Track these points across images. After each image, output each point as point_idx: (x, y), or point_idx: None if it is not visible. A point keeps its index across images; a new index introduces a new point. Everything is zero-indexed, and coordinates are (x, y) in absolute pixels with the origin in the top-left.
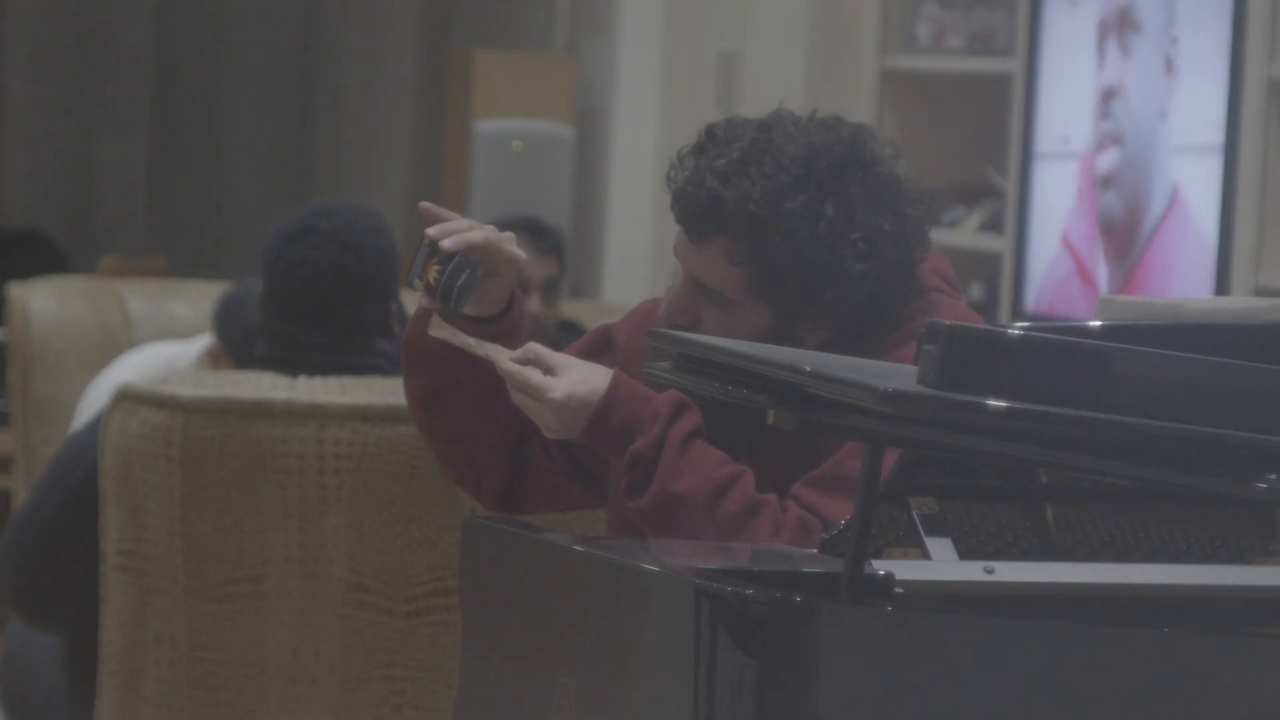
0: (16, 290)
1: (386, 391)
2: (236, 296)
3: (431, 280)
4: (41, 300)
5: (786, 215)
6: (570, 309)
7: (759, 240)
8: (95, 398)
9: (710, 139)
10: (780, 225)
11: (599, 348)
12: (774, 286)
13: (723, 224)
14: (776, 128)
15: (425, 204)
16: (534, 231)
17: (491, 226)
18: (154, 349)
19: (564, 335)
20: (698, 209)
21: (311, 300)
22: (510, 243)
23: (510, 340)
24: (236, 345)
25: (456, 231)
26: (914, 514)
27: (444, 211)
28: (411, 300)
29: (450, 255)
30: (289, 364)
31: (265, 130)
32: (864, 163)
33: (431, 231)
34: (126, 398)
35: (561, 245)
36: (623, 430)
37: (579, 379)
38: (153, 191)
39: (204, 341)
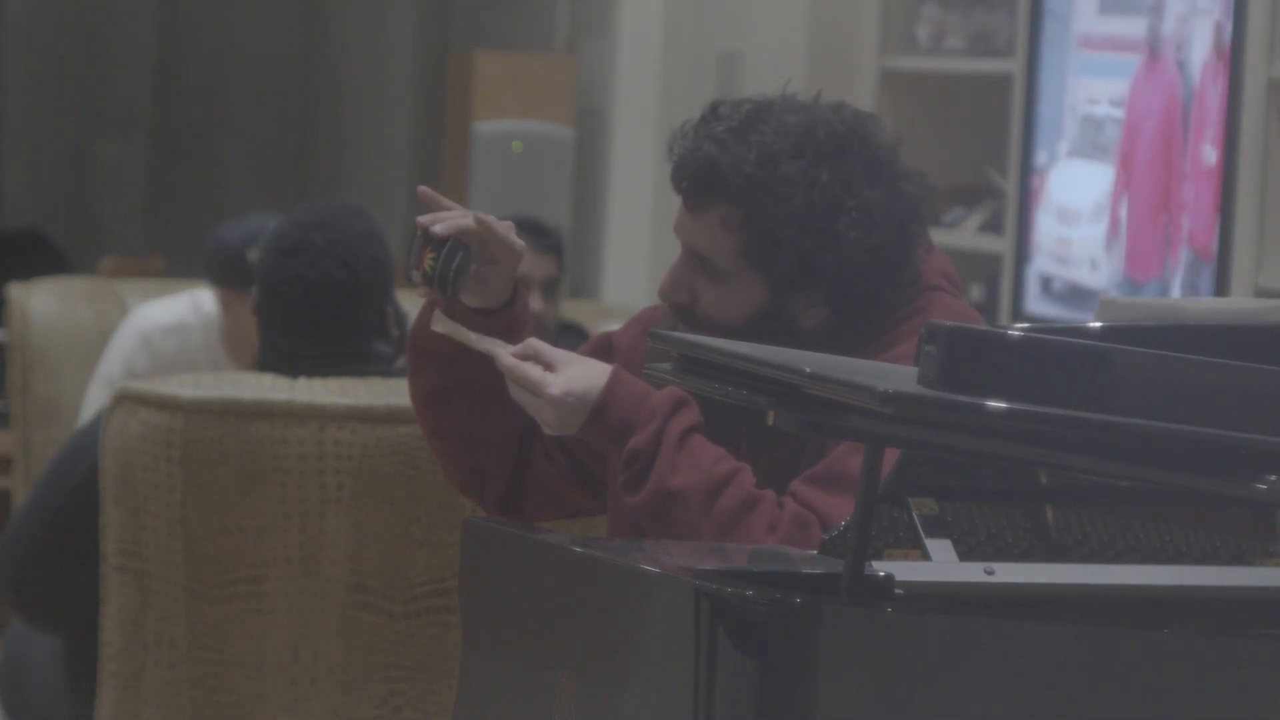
0: (16, 290)
1: (386, 392)
2: (216, 238)
3: (428, 268)
4: (41, 300)
5: (781, 179)
6: (570, 309)
7: (753, 205)
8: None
9: (713, 112)
10: (775, 189)
11: (599, 354)
12: (767, 253)
13: (718, 189)
14: (780, 102)
15: (424, 188)
16: (534, 231)
17: (491, 217)
18: (150, 319)
19: (564, 336)
20: (694, 175)
21: (308, 316)
22: (506, 229)
23: (513, 335)
24: (223, 271)
25: (448, 218)
26: (914, 515)
27: (442, 199)
28: (408, 300)
29: (443, 241)
30: (288, 373)
31: (265, 130)
32: (863, 139)
33: (423, 219)
34: (126, 398)
35: (561, 245)
36: (620, 426)
37: (578, 374)
38: (153, 191)
39: (200, 301)
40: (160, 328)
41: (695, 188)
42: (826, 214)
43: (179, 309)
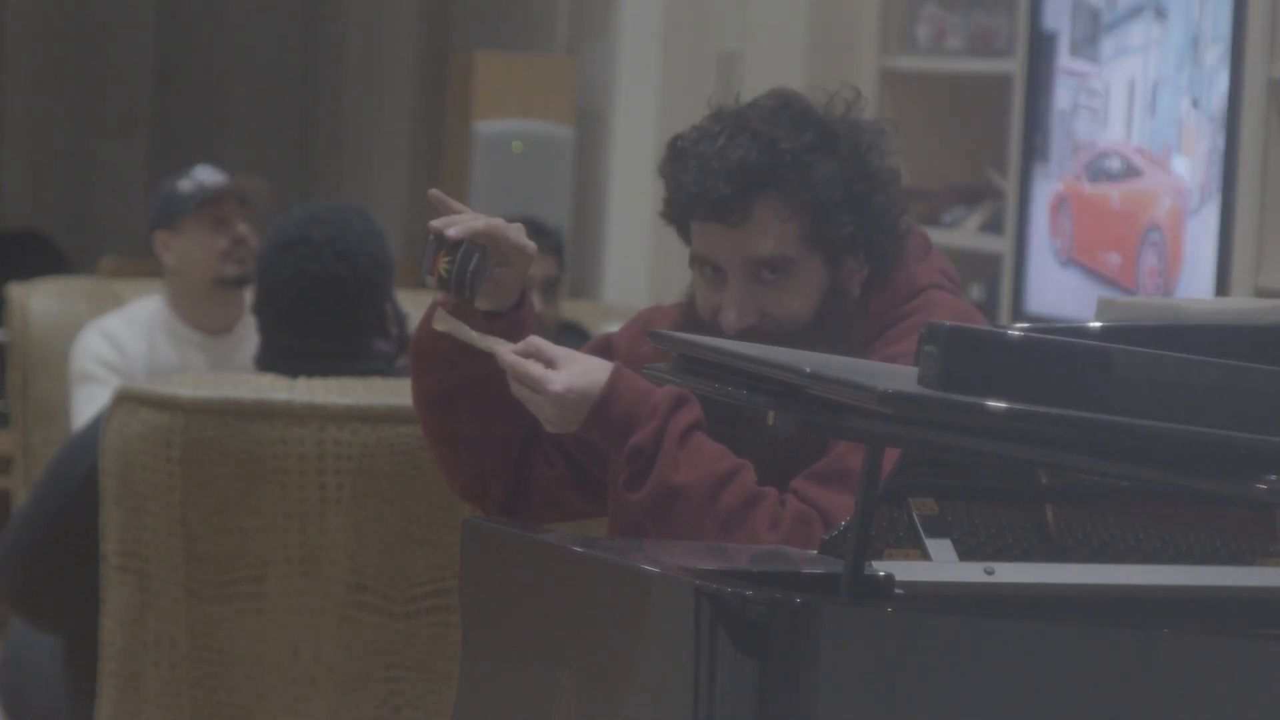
0: (16, 290)
1: (387, 392)
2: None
3: (443, 272)
4: (41, 300)
5: (807, 148)
6: (570, 309)
7: (798, 183)
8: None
9: (687, 141)
10: (809, 159)
11: (599, 356)
12: (829, 221)
13: (761, 182)
14: (734, 105)
15: (435, 191)
16: (534, 231)
17: (498, 219)
18: (98, 322)
19: (564, 336)
20: (729, 186)
21: (307, 311)
22: (518, 232)
23: (520, 337)
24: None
25: (461, 221)
26: (914, 515)
27: (452, 202)
28: (408, 298)
29: (457, 244)
30: (288, 371)
31: (265, 130)
32: (822, 103)
33: (436, 224)
34: (127, 398)
35: (561, 245)
36: (622, 423)
37: (579, 371)
38: (153, 192)
39: (146, 301)
40: (113, 322)
41: (736, 195)
42: (857, 159)
43: (124, 311)
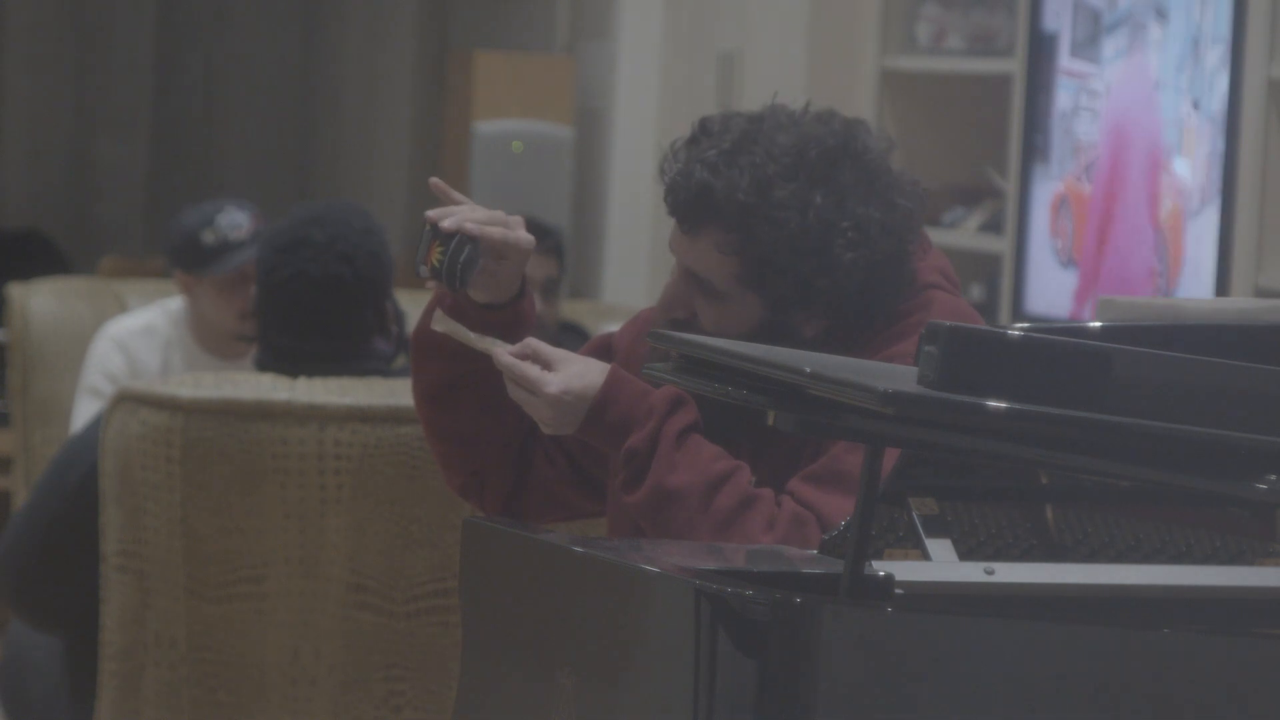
0: (16, 290)
1: (386, 393)
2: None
3: (435, 263)
4: (41, 300)
5: (775, 204)
6: (570, 309)
7: (748, 230)
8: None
9: (703, 131)
10: (769, 214)
11: (599, 355)
12: (764, 277)
13: (712, 214)
14: (769, 119)
15: (435, 180)
16: (533, 231)
17: (499, 211)
18: (119, 326)
19: (564, 336)
20: (688, 199)
21: (307, 313)
22: (517, 224)
23: (521, 331)
24: (181, 256)
25: (456, 213)
26: (914, 515)
27: (453, 192)
28: (407, 297)
29: (451, 235)
30: (288, 371)
31: (265, 130)
32: (855, 153)
33: (431, 214)
34: (127, 398)
35: (561, 245)
36: (618, 425)
37: (575, 374)
38: (153, 191)
39: (168, 305)
40: (130, 331)
41: (689, 212)
42: (822, 237)
43: (147, 314)
